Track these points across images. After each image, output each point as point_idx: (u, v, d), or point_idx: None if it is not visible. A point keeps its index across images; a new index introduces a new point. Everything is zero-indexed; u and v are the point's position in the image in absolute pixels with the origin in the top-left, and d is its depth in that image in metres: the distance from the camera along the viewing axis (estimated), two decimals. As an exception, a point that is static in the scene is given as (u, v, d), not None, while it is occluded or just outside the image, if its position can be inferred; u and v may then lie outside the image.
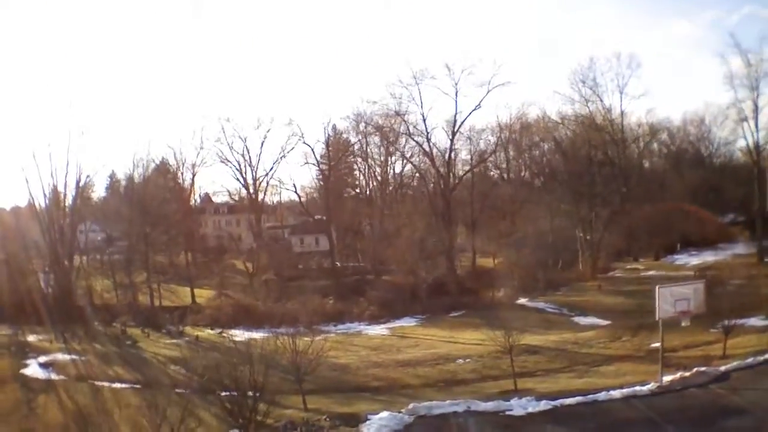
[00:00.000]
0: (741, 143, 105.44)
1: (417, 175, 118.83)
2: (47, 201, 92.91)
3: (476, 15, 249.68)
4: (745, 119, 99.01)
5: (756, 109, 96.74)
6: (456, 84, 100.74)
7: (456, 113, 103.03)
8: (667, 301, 37.30)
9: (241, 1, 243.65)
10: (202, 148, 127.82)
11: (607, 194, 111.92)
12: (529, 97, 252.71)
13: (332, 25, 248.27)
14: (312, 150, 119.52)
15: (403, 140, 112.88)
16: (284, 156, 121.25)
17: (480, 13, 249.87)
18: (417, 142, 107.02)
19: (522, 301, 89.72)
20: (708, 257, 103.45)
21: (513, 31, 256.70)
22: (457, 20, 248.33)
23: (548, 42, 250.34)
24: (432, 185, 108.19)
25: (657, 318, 37.96)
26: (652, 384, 37.38)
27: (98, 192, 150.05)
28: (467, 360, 53.80)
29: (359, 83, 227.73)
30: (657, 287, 37.65)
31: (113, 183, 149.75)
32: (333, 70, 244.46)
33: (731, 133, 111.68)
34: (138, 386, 48.89)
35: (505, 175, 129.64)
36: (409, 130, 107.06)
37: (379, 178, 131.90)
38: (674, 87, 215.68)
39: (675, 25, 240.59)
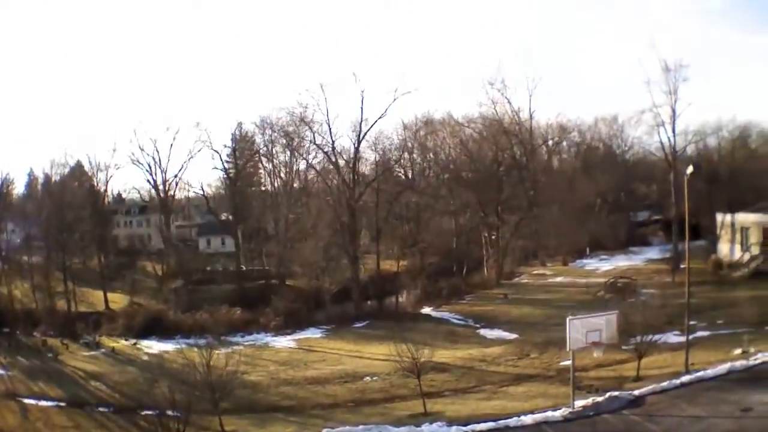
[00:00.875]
0: (656, 141, 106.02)
1: (322, 177, 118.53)
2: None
3: (392, 20, 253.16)
4: (662, 124, 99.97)
5: (673, 114, 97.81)
6: (362, 92, 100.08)
7: (362, 121, 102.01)
8: (579, 331, 37.53)
9: (157, 6, 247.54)
10: (115, 150, 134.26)
11: (515, 198, 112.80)
12: (444, 103, 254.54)
13: (246, 29, 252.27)
14: (219, 155, 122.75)
15: (307, 143, 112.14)
16: (192, 157, 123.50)
17: (395, 18, 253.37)
18: (323, 151, 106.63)
19: (427, 310, 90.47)
20: (620, 262, 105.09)
21: (422, 35, 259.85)
22: (372, 25, 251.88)
23: (462, 46, 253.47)
24: (337, 191, 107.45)
25: (568, 349, 38.43)
26: (564, 409, 37.33)
27: (18, 189, 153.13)
28: (375, 378, 54.95)
29: (273, 86, 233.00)
30: (568, 319, 37.89)
31: (32, 181, 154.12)
32: (245, 73, 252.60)
33: (646, 133, 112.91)
34: (63, 404, 52.80)
35: (410, 175, 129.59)
36: (314, 138, 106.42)
37: (283, 176, 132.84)
38: (589, 89, 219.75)
39: (593, 25, 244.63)
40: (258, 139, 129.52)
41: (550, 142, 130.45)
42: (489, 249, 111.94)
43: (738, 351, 46.60)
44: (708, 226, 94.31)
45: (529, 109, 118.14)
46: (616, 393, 39.04)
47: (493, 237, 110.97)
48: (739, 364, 42.69)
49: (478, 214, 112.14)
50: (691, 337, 47.05)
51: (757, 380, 39.22)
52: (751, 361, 43.16)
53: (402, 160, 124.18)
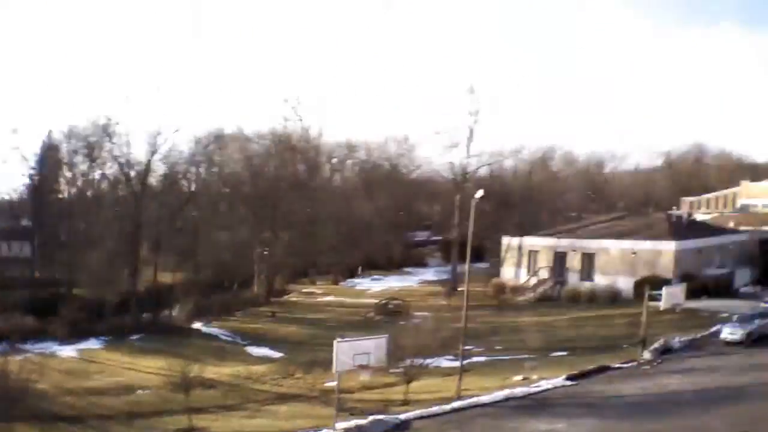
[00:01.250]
0: (446, 161, 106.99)
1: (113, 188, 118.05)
2: None
3: (202, 31, 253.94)
4: (456, 145, 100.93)
5: (471, 135, 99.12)
6: (162, 104, 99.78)
7: (158, 134, 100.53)
8: (346, 354, 36.61)
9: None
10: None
11: (293, 214, 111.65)
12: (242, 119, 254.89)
13: (57, 36, 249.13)
14: (27, 161, 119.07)
15: (106, 153, 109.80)
16: (5, 162, 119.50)
17: (205, 29, 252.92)
18: (118, 162, 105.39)
19: (198, 325, 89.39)
20: (393, 283, 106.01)
21: (229, 47, 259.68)
22: (182, 36, 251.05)
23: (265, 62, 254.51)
24: (125, 202, 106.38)
25: (334, 371, 37.33)
26: (326, 431, 36.05)
27: None
28: (146, 391, 55.85)
29: (85, 95, 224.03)
30: (335, 341, 36.77)
31: None
32: (61, 83, 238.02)
33: (439, 154, 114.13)
34: None
35: (194, 188, 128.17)
36: (113, 150, 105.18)
37: (79, 184, 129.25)
38: (383, 108, 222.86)
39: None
40: (64, 147, 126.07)
41: (334, 160, 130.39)
42: (261, 265, 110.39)
43: (519, 377, 46.54)
44: (493, 248, 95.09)
45: (319, 126, 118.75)
46: (381, 416, 37.80)
47: (266, 253, 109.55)
48: (519, 390, 42.49)
49: (254, 230, 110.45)
50: (466, 362, 46.56)
51: (539, 407, 39.16)
52: (533, 388, 43.04)
53: (188, 174, 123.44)
